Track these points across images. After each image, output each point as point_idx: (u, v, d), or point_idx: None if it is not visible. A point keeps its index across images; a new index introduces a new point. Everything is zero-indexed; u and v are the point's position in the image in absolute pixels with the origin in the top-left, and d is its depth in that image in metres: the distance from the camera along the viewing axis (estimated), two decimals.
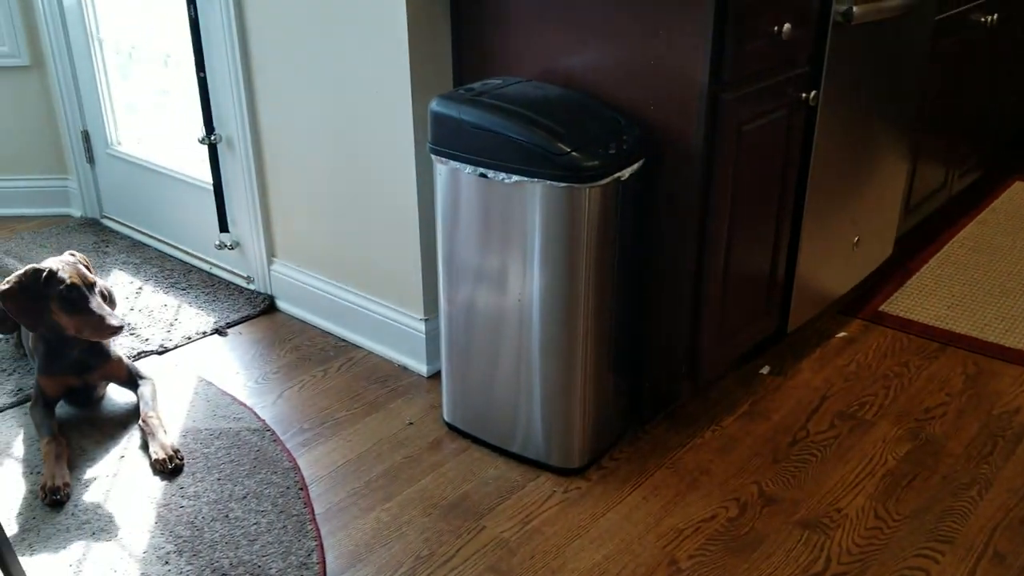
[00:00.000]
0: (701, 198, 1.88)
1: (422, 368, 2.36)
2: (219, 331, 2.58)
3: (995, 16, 2.81)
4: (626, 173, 1.80)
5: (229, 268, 2.86)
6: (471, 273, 1.93)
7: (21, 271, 2.05)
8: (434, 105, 1.86)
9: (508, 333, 1.93)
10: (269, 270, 2.70)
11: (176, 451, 2.03)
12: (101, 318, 2.04)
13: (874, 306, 2.68)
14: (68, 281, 2.02)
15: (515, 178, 1.77)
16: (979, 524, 1.84)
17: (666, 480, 1.98)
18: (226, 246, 2.78)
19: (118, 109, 3.11)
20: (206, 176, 2.82)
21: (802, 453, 2.06)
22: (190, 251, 2.99)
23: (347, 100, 2.25)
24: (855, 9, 2.02)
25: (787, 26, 1.87)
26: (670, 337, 2.03)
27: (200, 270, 2.93)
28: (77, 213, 3.35)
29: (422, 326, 2.33)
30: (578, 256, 1.80)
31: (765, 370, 2.37)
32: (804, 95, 2.02)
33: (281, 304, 2.70)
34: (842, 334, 2.55)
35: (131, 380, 2.23)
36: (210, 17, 2.49)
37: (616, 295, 1.91)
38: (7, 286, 2.02)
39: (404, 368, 2.39)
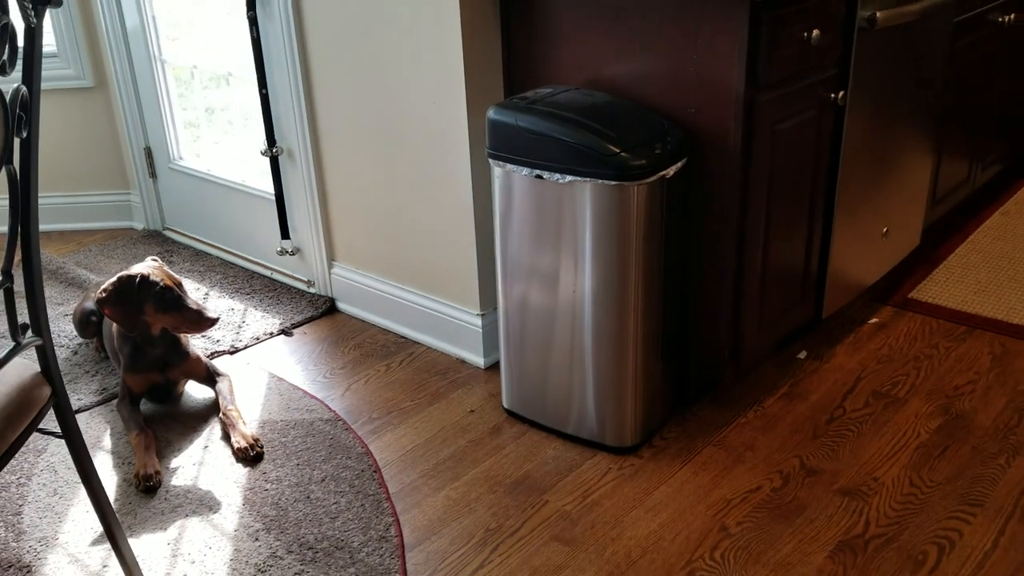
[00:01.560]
0: (739, 194, 2.03)
1: (479, 360, 2.52)
2: (285, 332, 2.76)
3: (1012, 16, 2.94)
4: (671, 171, 1.95)
5: (290, 273, 3.03)
6: (527, 269, 2.09)
7: (115, 278, 2.22)
8: (491, 113, 2.03)
9: (562, 324, 2.08)
10: (329, 274, 2.87)
11: (256, 439, 2.20)
12: (199, 312, 2.22)
13: (903, 293, 2.81)
14: (161, 283, 2.20)
15: (568, 178, 1.93)
16: (1007, 489, 1.98)
17: (713, 456, 2.13)
18: (287, 252, 2.96)
19: (179, 126, 3.30)
20: (266, 186, 3.01)
21: (840, 429, 2.20)
22: (251, 258, 3.17)
23: (403, 110, 2.42)
24: (878, 15, 2.16)
25: (816, 32, 2.02)
26: (713, 324, 2.18)
27: (262, 276, 3.11)
28: (140, 226, 3.55)
29: (479, 321, 2.49)
30: (628, 250, 1.96)
31: (802, 355, 2.51)
32: (833, 96, 2.17)
33: (341, 305, 2.88)
34: (874, 320, 2.68)
35: (209, 377, 2.40)
36: (271, 36, 2.67)
37: (662, 286, 2.07)
38: (104, 294, 2.20)
39: (462, 361, 2.55)
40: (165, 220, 3.49)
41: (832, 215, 2.32)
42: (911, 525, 1.89)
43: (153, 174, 3.42)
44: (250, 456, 2.16)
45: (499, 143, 2.02)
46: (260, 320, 2.82)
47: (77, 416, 2.08)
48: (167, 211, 3.47)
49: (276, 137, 2.81)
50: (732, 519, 1.93)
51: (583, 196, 1.94)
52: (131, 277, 2.21)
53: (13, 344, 1.44)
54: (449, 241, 2.47)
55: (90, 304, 2.54)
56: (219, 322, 2.26)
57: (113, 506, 2.03)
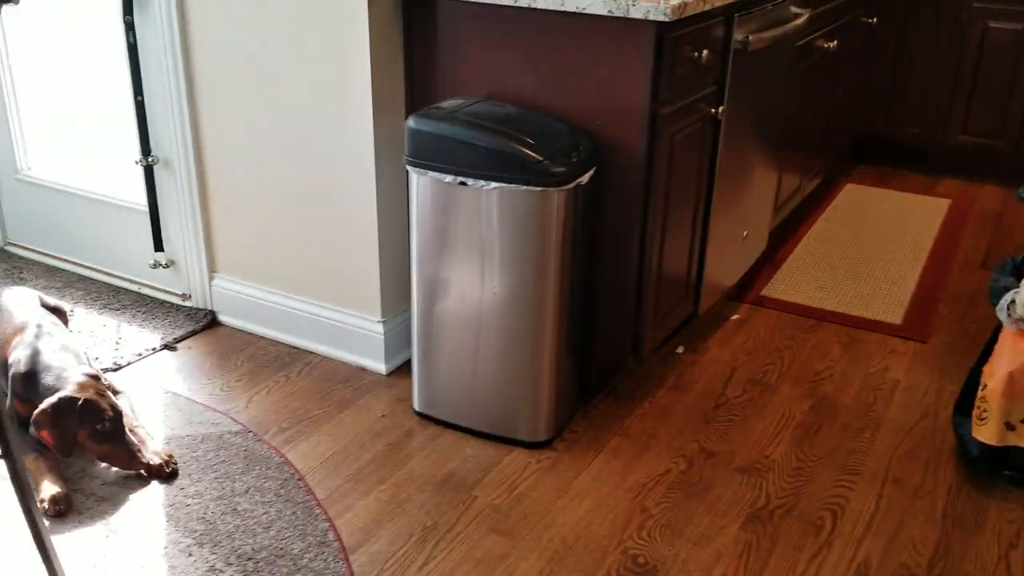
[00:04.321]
0: (642, 199, 2.20)
1: (381, 367, 2.55)
2: (168, 346, 2.66)
3: (834, 43, 3.31)
4: (585, 178, 2.09)
5: (162, 287, 2.93)
6: (442, 274, 2.16)
7: (55, 398, 2.03)
8: (412, 122, 2.08)
9: (481, 326, 2.16)
10: (210, 286, 2.80)
11: (170, 455, 2.13)
12: (134, 452, 2.07)
13: (756, 291, 3.10)
14: (105, 415, 2.04)
15: (493, 184, 2.02)
16: (876, 458, 2.25)
17: (621, 445, 2.28)
18: (160, 265, 2.85)
19: (27, 134, 3.10)
20: (134, 197, 2.89)
21: (727, 414, 2.41)
22: (115, 272, 3.02)
23: (301, 118, 2.42)
24: (750, 37, 2.40)
25: (705, 52, 2.23)
26: (616, 321, 2.33)
27: (129, 291, 2.97)
28: None
29: (380, 327, 2.52)
30: (548, 253, 2.07)
31: (680, 350, 2.72)
32: (713, 110, 2.39)
33: (224, 318, 2.81)
34: (735, 316, 2.94)
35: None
36: (149, 41, 2.58)
37: (575, 287, 2.20)
38: (42, 416, 2.01)
39: (363, 368, 2.57)
40: (7, 235, 3.26)
41: (708, 219, 2.55)
42: (805, 495, 2.11)
43: None
44: (165, 473, 2.09)
45: (420, 151, 2.08)
46: (138, 335, 2.71)
47: None
48: (9, 225, 3.24)
49: (151, 146, 2.72)
50: (651, 500, 2.08)
51: (505, 201, 2.03)
52: (72, 400, 2.04)
53: None
54: (350, 249, 2.49)
55: None
56: (167, 468, 2.11)
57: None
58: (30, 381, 2.11)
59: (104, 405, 2.06)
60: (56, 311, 2.48)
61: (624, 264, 2.27)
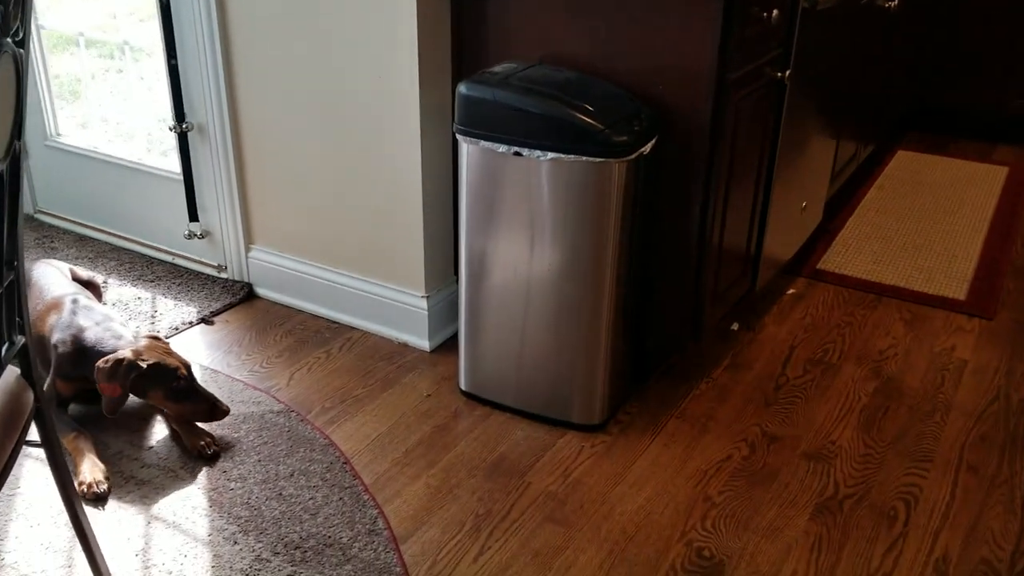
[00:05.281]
0: (705, 170, 2.07)
1: (424, 344, 2.45)
2: (205, 320, 2.58)
3: (895, 1, 3.14)
4: (647, 148, 1.97)
5: (196, 258, 2.84)
6: (494, 247, 2.05)
7: (132, 356, 1.98)
8: (464, 88, 1.96)
9: (533, 303, 2.06)
10: (246, 257, 2.70)
11: (211, 435, 2.05)
12: (214, 404, 2.04)
13: (811, 265, 2.97)
14: (178, 373, 2.01)
15: (550, 155, 1.90)
16: (948, 443, 2.13)
17: (679, 428, 2.17)
18: (195, 235, 2.76)
19: (55, 98, 3.00)
20: (166, 165, 2.79)
21: (788, 396, 2.30)
22: (148, 243, 2.94)
23: (343, 83, 2.30)
24: None
25: (775, 12, 2.08)
26: (676, 298, 2.22)
27: (163, 262, 2.89)
28: None
29: (424, 303, 2.42)
30: (606, 226, 1.96)
31: (735, 327, 2.60)
32: (779, 74, 2.25)
33: (261, 291, 2.72)
34: (791, 291, 2.82)
35: None
36: (183, 2, 2.47)
37: (632, 262, 2.08)
38: (108, 367, 1.97)
39: (405, 345, 2.48)
40: (37, 202, 3.17)
41: (771, 190, 2.42)
42: (875, 483, 2.00)
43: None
44: (207, 454, 2.02)
45: (472, 119, 1.96)
46: (173, 309, 2.63)
47: None
48: (40, 192, 3.16)
49: (185, 111, 2.61)
50: (713, 488, 1.98)
51: (562, 173, 1.91)
52: (134, 366, 1.97)
53: (7, 344, 1.27)
54: (392, 221, 2.38)
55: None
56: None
57: (65, 521, 1.84)
58: (79, 360, 2.03)
59: (174, 363, 2.01)
60: (89, 285, 2.40)
61: (684, 238, 2.15)
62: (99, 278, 2.53)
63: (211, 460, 2.02)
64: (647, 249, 2.17)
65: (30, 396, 1.39)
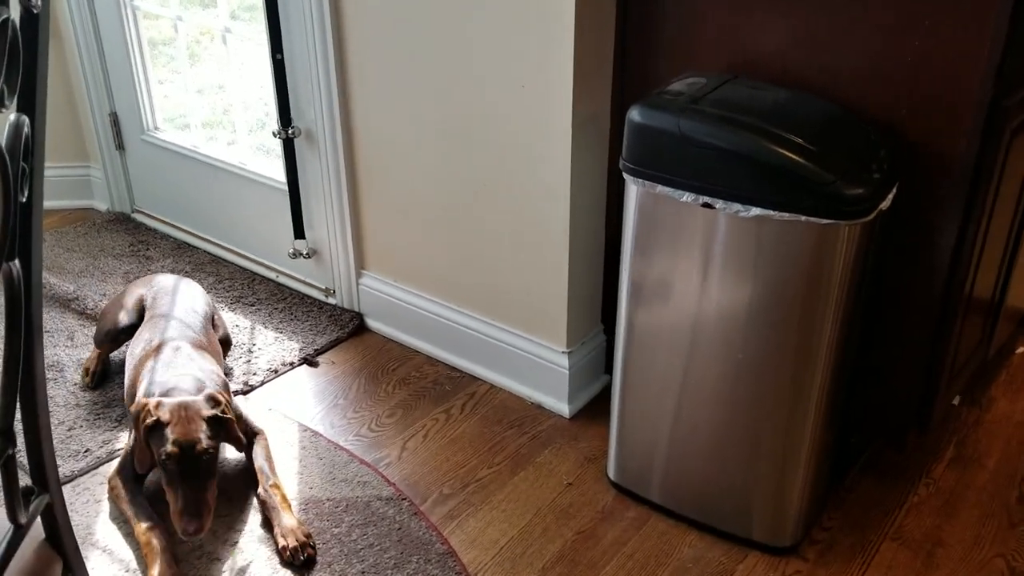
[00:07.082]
0: (960, 226, 1.54)
1: (563, 408, 2.01)
2: (308, 361, 2.20)
3: None
4: (887, 202, 1.45)
5: (301, 278, 2.47)
6: (669, 314, 1.58)
7: (151, 402, 1.65)
8: (635, 115, 1.48)
9: (717, 386, 1.58)
10: (357, 283, 2.31)
11: (308, 535, 1.67)
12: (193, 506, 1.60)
13: None
14: (169, 449, 1.60)
15: (754, 211, 1.41)
16: None
17: (896, 556, 1.67)
18: (301, 254, 2.39)
19: (154, 89, 2.66)
20: (272, 173, 2.42)
21: None
22: (251, 256, 2.58)
23: (476, 92, 1.85)
24: None
25: None
26: (902, 380, 1.70)
27: (265, 279, 2.53)
28: (103, 206, 2.92)
29: (565, 360, 1.97)
30: (824, 304, 1.46)
31: (956, 401, 2.06)
32: None
33: (372, 323, 2.33)
34: (1021, 350, 2.24)
35: (241, 438, 1.80)
36: None
37: (851, 346, 1.58)
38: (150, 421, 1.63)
39: (539, 407, 2.04)
40: (134, 201, 2.86)
41: (1020, 241, 1.86)
42: None
43: (120, 145, 2.78)
44: (300, 560, 1.63)
45: (643, 154, 1.48)
46: (274, 343, 2.26)
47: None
48: (137, 190, 2.84)
49: (292, 115, 2.22)
50: None
51: (770, 234, 1.42)
52: (152, 418, 1.63)
53: (13, 527, 0.89)
54: (530, 259, 1.93)
55: (125, 319, 2.02)
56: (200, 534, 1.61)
57: None
58: (156, 428, 1.66)
59: (184, 434, 1.60)
60: (223, 343, 2.07)
61: (919, 309, 1.63)
62: (233, 338, 2.21)
63: (305, 567, 1.64)
64: (870, 327, 1.65)
65: (56, 569, 1.01)
